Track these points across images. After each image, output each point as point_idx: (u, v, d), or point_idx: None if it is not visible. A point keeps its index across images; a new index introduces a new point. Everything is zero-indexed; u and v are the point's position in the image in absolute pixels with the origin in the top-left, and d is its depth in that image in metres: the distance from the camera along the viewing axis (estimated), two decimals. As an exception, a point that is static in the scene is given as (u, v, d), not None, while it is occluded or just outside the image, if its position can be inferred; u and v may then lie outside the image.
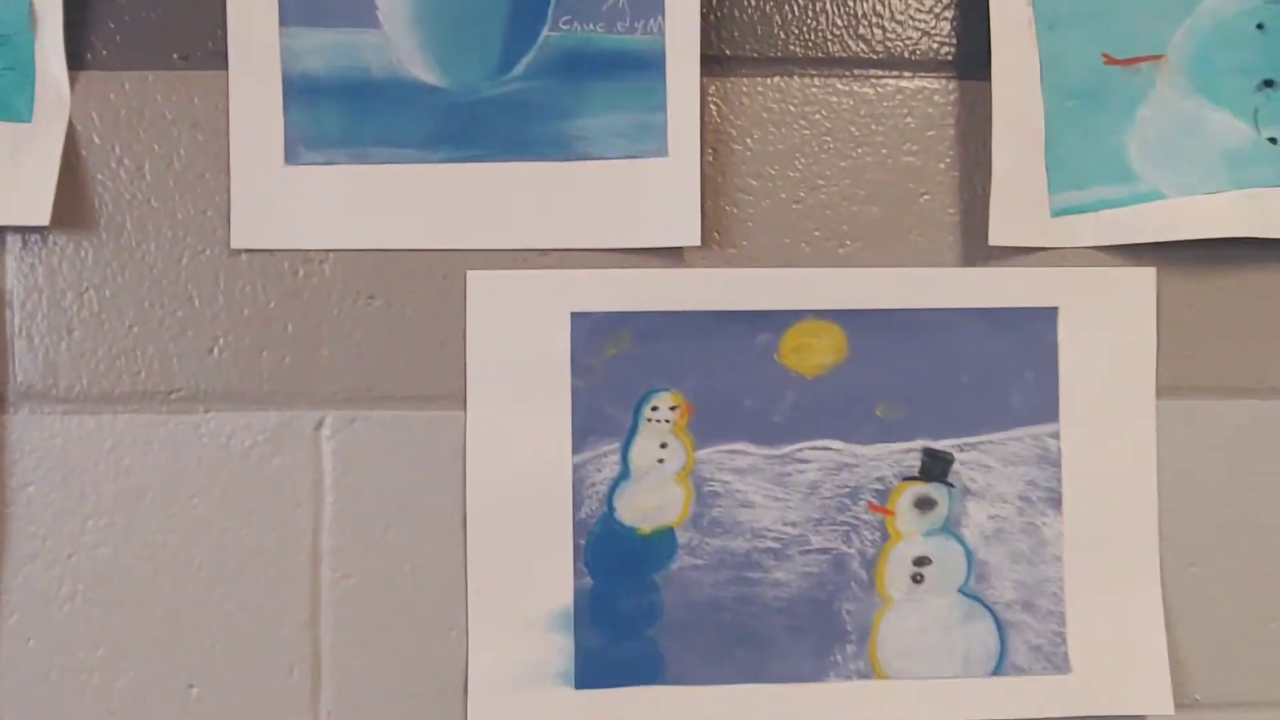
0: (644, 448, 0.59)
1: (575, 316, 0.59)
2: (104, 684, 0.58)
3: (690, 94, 0.59)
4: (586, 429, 0.59)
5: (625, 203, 0.59)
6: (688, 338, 0.59)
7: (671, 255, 0.59)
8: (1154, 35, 0.61)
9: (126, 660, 0.58)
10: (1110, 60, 0.61)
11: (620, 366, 0.59)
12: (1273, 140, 0.61)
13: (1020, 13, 0.60)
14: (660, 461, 0.59)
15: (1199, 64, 0.61)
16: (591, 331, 0.59)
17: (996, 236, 0.60)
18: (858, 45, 0.61)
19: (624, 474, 0.59)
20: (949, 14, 0.61)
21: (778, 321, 0.60)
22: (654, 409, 0.59)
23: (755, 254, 0.60)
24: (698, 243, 0.58)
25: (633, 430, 0.59)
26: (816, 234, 0.60)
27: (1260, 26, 0.62)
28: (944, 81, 0.61)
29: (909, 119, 0.61)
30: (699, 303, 0.59)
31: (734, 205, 0.60)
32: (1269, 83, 0.62)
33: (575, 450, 0.59)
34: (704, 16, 0.59)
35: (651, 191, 0.59)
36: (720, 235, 0.60)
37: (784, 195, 0.60)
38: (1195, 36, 0.61)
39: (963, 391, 0.60)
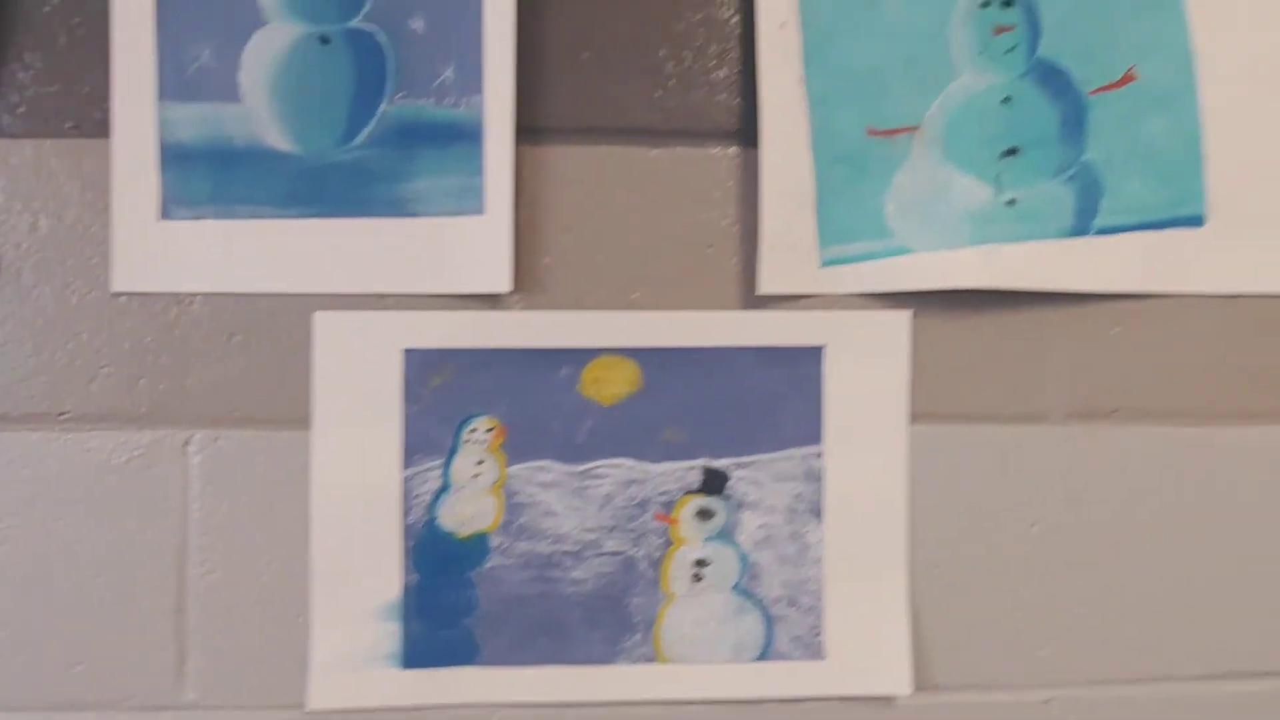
0: (463, 464, 0.69)
1: (407, 352, 0.69)
2: (1, 663, 0.68)
3: (504, 160, 0.68)
4: (415, 448, 0.69)
5: (449, 254, 0.69)
6: (503, 370, 0.69)
7: (491, 299, 0.70)
8: (911, 109, 0.71)
9: (21, 642, 0.68)
10: (873, 132, 0.71)
11: (445, 394, 0.69)
12: (1011, 202, 0.71)
13: (792, 90, 0.70)
14: (476, 476, 0.69)
15: (950, 134, 0.71)
16: (421, 365, 0.69)
17: (764, 286, 0.70)
18: (653, 117, 0.70)
19: (445, 486, 0.69)
20: (734, 90, 0.70)
21: (579, 357, 0.70)
22: (472, 431, 0.69)
23: (564, 298, 0.70)
24: (508, 290, 0.68)
25: (454, 449, 0.69)
26: (616, 281, 0.70)
27: (1006, 100, 0.72)
28: (728, 149, 0.71)
29: (697, 181, 0.71)
30: (513, 340, 0.69)
31: (546, 255, 0.70)
32: (1012, 151, 0.71)
33: (405, 466, 0.69)
34: (520, 92, 0.69)
35: (471, 245, 0.69)
36: (534, 282, 0.70)
37: (589, 247, 0.70)
38: (947, 110, 0.71)
39: (740, 418, 0.70)
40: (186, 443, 0.69)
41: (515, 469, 0.69)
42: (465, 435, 0.69)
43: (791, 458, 0.70)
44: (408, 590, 0.69)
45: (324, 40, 0.68)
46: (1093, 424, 0.73)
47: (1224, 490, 0.73)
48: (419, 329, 0.69)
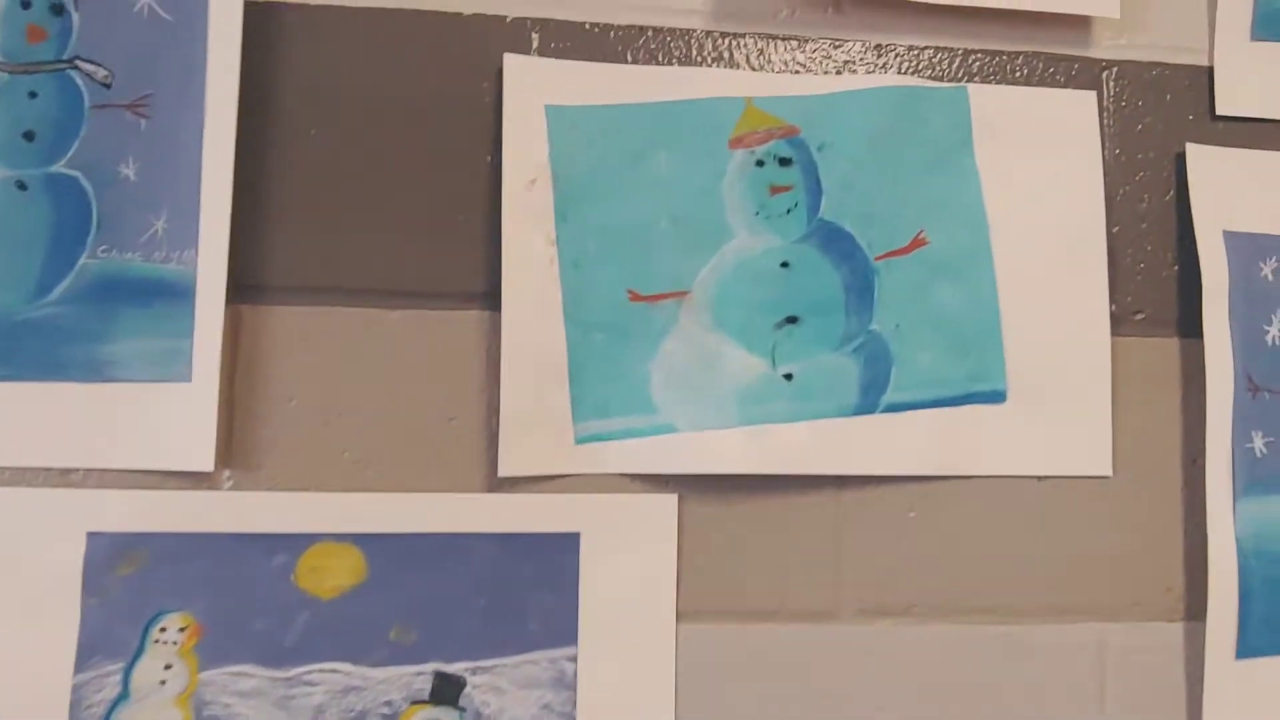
0: (147, 668, 0.59)
1: (91, 536, 0.60)
2: None
3: (214, 323, 0.61)
4: (92, 648, 0.59)
5: (147, 425, 0.61)
6: (205, 559, 0.60)
7: (198, 476, 0.61)
8: (680, 273, 0.65)
9: None
10: (636, 297, 0.64)
11: (134, 586, 0.60)
12: (789, 376, 0.64)
13: (542, 251, 0.63)
14: (162, 683, 0.59)
15: (721, 301, 0.65)
16: (107, 550, 0.60)
17: (507, 467, 0.62)
18: (391, 276, 0.63)
19: (124, 695, 0.59)
20: (479, 251, 0.64)
21: (296, 543, 0.61)
22: (162, 630, 0.60)
23: (282, 476, 0.62)
24: (210, 468, 0.60)
25: (139, 651, 0.60)
26: (344, 457, 0.62)
27: (785, 265, 0.66)
28: (474, 313, 0.64)
29: (440, 347, 0.63)
30: (218, 524, 0.61)
31: (263, 427, 0.62)
32: (791, 319, 0.65)
33: (77, 670, 0.59)
34: (242, 247, 0.62)
35: (173, 415, 0.61)
36: (247, 458, 0.62)
37: (312, 419, 0.62)
38: (719, 274, 0.65)
39: (480, 615, 0.62)
40: None
41: (209, 674, 0.60)
42: (153, 635, 0.60)
43: (539, 661, 0.62)
44: (69, 823, 0.58)
45: (20, 186, 0.61)
46: (886, 622, 0.65)
47: (1032, 696, 0.65)
48: (106, 509, 0.60)
